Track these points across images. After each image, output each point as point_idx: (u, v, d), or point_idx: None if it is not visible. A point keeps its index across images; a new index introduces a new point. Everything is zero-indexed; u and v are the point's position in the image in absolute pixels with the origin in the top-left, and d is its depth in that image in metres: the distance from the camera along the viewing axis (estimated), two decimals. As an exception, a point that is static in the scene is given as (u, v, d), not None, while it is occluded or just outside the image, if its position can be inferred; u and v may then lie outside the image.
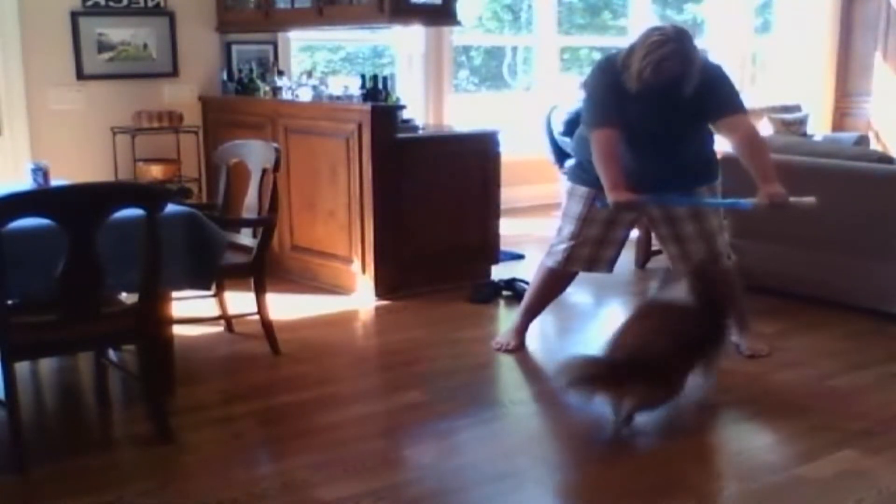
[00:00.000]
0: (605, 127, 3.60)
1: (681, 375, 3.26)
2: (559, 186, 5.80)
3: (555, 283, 4.08)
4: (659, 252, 5.10)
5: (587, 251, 3.90)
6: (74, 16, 5.40)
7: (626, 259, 5.63)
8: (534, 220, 6.94)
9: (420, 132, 5.18)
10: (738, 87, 3.77)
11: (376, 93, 4.99)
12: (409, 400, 3.55)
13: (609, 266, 3.97)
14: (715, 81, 3.61)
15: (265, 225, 3.99)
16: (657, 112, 3.58)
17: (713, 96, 3.57)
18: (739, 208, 3.75)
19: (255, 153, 4.19)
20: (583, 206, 3.86)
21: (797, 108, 8.76)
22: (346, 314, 4.74)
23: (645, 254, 5.68)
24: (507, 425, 3.39)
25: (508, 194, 5.60)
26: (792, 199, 3.51)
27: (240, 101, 5.70)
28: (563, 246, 3.93)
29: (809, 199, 3.48)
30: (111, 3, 5.50)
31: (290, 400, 3.54)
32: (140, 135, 5.47)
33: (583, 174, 3.83)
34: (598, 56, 7.94)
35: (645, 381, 3.12)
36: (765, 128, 8.01)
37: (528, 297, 4.18)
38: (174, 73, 5.76)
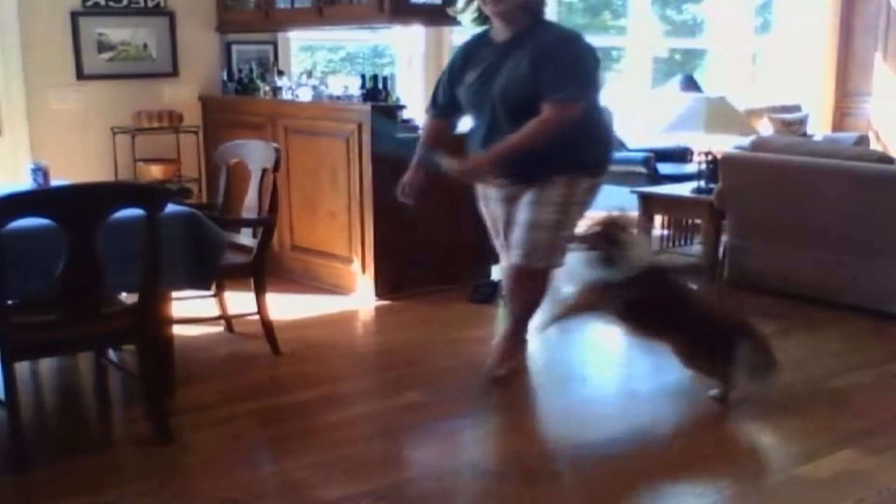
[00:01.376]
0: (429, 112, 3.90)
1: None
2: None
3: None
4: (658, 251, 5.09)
5: (499, 242, 3.85)
6: (74, 16, 5.40)
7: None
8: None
9: (420, 132, 5.17)
10: (585, 68, 3.48)
11: (376, 93, 4.99)
12: (409, 400, 3.55)
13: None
14: (552, 59, 3.41)
15: (265, 225, 3.99)
16: (507, 74, 3.48)
17: (545, 75, 3.39)
18: (439, 167, 3.56)
19: (255, 153, 4.19)
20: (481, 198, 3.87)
21: (797, 108, 8.77)
22: (346, 314, 4.74)
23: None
24: (507, 425, 3.39)
25: (508, 194, 5.59)
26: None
27: (240, 101, 5.70)
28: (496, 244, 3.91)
29: (445, 161, 3.46)
30: (111, 3, 5.49)
31: (291, 400, 3.54)
32: (140, 135, 5.47)
33: None
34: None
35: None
36: (765, 128, 8.01)
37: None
38: (174, 73, 5.75)
